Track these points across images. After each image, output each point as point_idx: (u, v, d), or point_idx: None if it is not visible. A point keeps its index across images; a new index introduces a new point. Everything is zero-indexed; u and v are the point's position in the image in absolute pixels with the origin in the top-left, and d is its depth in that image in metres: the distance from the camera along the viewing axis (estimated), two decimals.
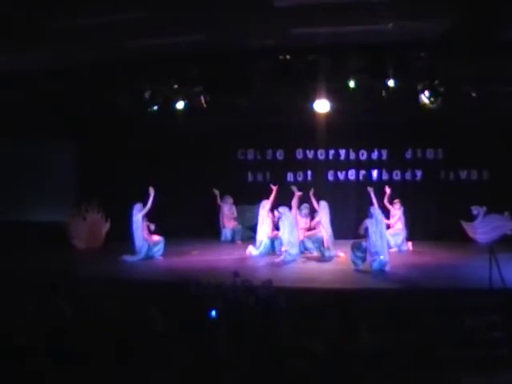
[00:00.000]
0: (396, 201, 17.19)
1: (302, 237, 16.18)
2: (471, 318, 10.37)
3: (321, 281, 12.78)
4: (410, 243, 17.01)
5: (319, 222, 16.08)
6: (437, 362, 7.33)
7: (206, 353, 6.72)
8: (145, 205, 15.68)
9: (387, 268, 13.72)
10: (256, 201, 17.46)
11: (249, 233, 19.22)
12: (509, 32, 12.68)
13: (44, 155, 19.67)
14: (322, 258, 15.67)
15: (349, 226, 17.47)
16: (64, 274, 13.17)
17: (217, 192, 18.99)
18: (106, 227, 18.14)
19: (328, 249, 15.76)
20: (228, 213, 19.07)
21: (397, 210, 16.96)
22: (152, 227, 15.84)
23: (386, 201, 16.92)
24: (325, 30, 13.18)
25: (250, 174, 20.05)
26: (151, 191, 15.62)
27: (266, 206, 16.56)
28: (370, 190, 15.64)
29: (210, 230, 19.22)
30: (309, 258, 15.60)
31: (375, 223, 13.81)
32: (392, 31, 13.20)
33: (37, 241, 16.53)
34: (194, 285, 9.98)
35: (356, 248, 14.12)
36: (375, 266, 13.68)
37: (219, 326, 7.83)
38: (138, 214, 15.61)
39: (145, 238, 15.70)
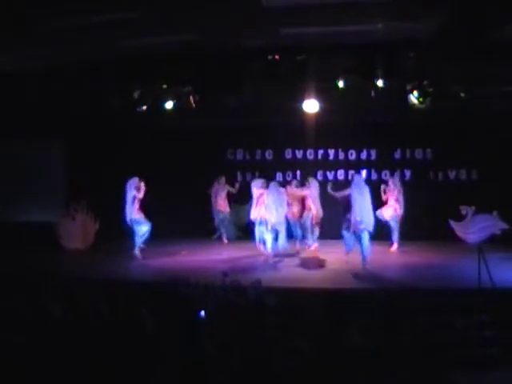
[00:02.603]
0: (390, 178, 17.33)
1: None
2: (461, 318, 10.42)
3: (310, 281, 12.79)
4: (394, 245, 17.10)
5: (309, 197, 16.12)
6: (427, 362, 7.34)
7: (195, 353, 6.70)
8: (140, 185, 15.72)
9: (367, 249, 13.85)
10: (246, 201, 17.43)
11: (238, 232, 19.21)
12: (497, 32, 12.73)
13: (33, 155, 19.59)
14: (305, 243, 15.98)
15: (338, 225, 17.41)
16: (53, 275, 13.15)
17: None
18: (95, 227, 18.06)
19: (316, 225, 15.86)
20: (220, 191, 18.73)
21: (392, 187, 16.91)
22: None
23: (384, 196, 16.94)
24: (314, 29, 13.19)
25: (239, 174, 20.04)
26: (142, 185, 15.68)
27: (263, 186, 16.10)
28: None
29: (199, 230, 19.17)
30: (298, 258, 15.58)
31: (358, 190, 13.81)
32: (381, 31, 13.23)
33: (26, 241, 16.46)
34: (184, 285, 9.96)
35: (346, 223, 14.13)
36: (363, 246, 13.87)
37: (209, 327, 7.82)
38: (132, 191, 15.59)
39: (137, 213, 15.70)
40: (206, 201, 18.83)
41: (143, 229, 15.80)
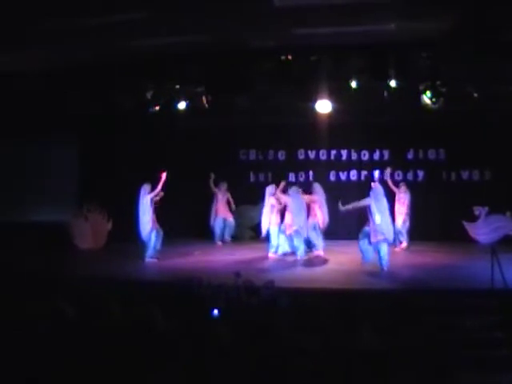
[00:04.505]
0: (402, 184, 17.22)
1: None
2: (473, 319, 10.38)
3: (323, 281, 12.75)
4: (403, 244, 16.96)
5: (315, 202, 15.95)
6: (438, 363, 7.34)
7: (207, 352, 6.72)
8: (154, 187, 15.41)
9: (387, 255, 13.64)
10: (258, 201, 17.44)
11: (250, 232, 19.24)
12: (510, 32, 12.68)
13: (45, 155, 19.64)
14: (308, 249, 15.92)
15: (350, 226, 17.38)
16: (65, 275, 13.20)
17: (212, 176, 18.67)
18: (108, 227, 18.10)
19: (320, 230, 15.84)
20: (222, 199, 18.78)
21: (402, 194, 16.84)
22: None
23: (389, 182, 16.78)
24: (326, 30, 13.20)
25: (251, 175, 20.05)
26: (163, 175, 15.43)
27: (276, 192, 16.02)
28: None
29: (212, 231, 19.17)
30: (310, 259, 15.58)
31: (376, 200, 13.62)
32: (394, 31, 13.23)
33: (38, 241, 16.51)
34: (196, 285, 9.99)
35: (363, 236, 13.87)
36: (380, 250, 13.58)
37: (221, 326, 7.83)
38: (146, 196, 15.30)
39: (152, 223, 15.46)
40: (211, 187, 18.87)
41: (158, 239, 15.72)
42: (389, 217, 13.73)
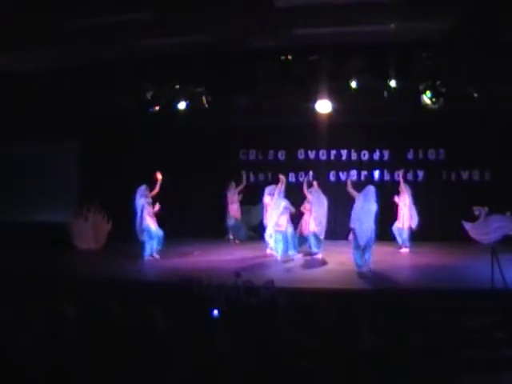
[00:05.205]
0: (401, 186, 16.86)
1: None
2: (473, 319, 10.38)
3: (323, 281, 12.76)
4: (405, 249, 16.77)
5: (309, 202, 15.96)
6: (439, 363, 7.33)
7: (207, 353, 6.71)
8: (151, 189, 15.58)
9: (367, 257, 13.60)
10: (258, 201, 17.45)
11: (251, 233, 19.24)
12: (510, 32, 12.68)
13: (46, 155, 19.66)
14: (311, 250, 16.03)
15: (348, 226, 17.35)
16: (66, 275, 13.20)
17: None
18: (107, 227, 18.11)
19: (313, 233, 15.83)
20: (232, 199, 18.88)
21: (401, 193, 16.62)
22: (157, 207, 15.62)
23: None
24: (327, 30, 13.20)
25: (251, 175, 20.04)
26: (159, 176, 15.64)
27: (274, 193, 15.86)
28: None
29: (212, 231, 19.20)
30: (311, 259, 15.58)
31: (362, 200, 13.62)
32: (394, 31, 13.22)
33: (39, 241, 16.52)
34: (196, 285, 9.98)
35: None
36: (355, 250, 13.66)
37: (221, 327, 7.82)
38: (143, 198, 15.47)
39: (148, 222, 15.55)
40: (218, 201, 18.88)
41: (155, 239, 15.73)
42: (371, 221, 13.60)
